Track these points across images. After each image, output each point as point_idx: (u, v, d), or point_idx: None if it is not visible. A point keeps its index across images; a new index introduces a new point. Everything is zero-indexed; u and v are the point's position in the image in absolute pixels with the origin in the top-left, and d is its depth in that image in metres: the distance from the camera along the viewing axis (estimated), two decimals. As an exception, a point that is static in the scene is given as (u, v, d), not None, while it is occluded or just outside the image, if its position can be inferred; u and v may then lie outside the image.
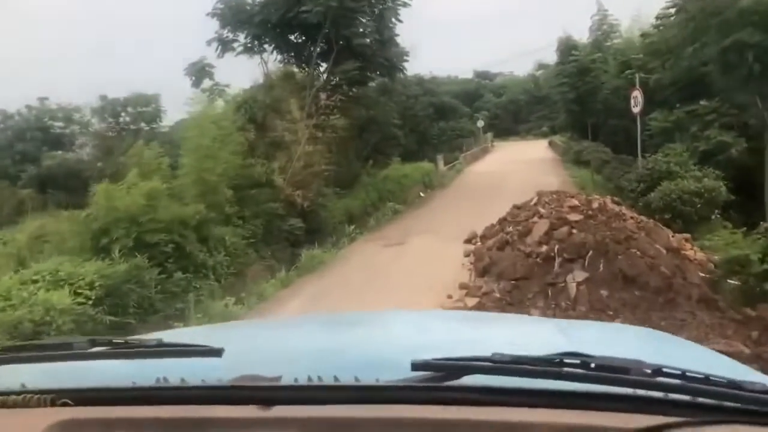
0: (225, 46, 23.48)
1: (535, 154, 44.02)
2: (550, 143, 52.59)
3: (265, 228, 16.07)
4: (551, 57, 57.41)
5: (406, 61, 28.20)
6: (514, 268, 9.34)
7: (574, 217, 10.45)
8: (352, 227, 17.75)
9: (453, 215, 19.75)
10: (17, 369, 1.31)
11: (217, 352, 1.25)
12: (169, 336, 1.67)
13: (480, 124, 56.11)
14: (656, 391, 1.04)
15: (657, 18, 23.58)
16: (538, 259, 9.31)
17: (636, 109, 19.38)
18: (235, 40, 23.69)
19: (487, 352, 1.14)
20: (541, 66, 70.04)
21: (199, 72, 21.19)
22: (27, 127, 47.25)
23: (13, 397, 1.14)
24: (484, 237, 14.71)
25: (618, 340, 1.79)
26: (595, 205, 11.55)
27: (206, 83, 20.72)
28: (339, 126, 19.29)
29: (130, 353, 1.36)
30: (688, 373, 1.06)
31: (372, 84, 29.27)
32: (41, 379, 1.23)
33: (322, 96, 18.77)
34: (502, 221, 15.36)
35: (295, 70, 23.55)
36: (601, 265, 8.53)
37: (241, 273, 14.50)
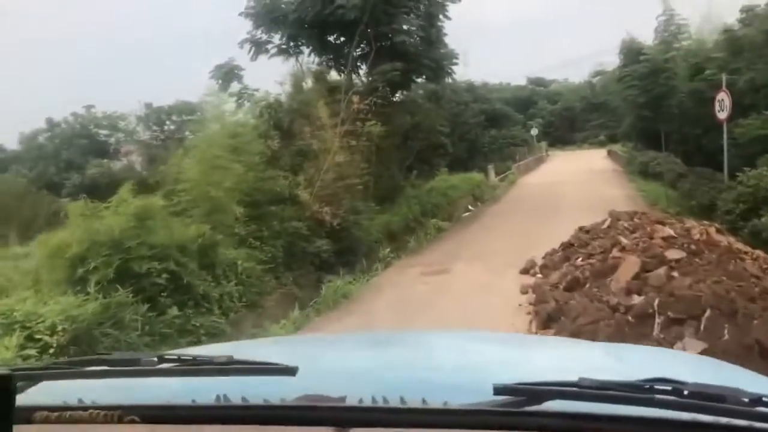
0: (258, 48, 21.34)
1: (594, 165, 40.84)
2: (610, 153, 49.19)
3: (286, 250, 13.66)
4: (608, 62, 54.32)
5: (455, 64, 25.62)
6: (594, 327, 6.63)
7: (673, 254, 7.68)
8: (387, 250, 15.16)
9: (506, 235, 17.03)
10: (84, 383, 1.28)
11: (291, 371, 1.19)
12: (234, 349, 1.67)
13: (534, 132, 53.09)
14: (760, 422, 0.97)
15: (742, 11, 20.44)
16: (628, 316, 6.58)
17: (722, 115, 16.33)
18: (269, 42, 21.55)
19: (566, 377, 1.08)
20: (598, 72, 66.62)
21: (227, 75, 18.98)
22: (72, 135, 46.44)
23: (80, 412, 1.10)
24: (545, 268, 11.98)
25: (672, 366, 1.61)
26: (697, 235, 8.73)
27: (234, 87, 18.43)
28: (376, 133, 16.77)
29: (198, 370, 1.31)
30: None
31: (419, 91, 26.93)
32: (108, 395, 1.20)
33: (358, 100, 16.27)
34: (567, 247, 12.60)
35: (333, 72, 21.21)
36: (726, 332, 5.78)
37: (255, 304, 12.11)
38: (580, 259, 10.33)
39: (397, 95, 23.64)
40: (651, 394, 1.04)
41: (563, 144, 64.13)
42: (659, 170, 24.00)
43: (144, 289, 10.00)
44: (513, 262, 13.44)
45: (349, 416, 1.07)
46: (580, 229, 13.24)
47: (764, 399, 1.00)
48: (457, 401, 1.08)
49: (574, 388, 1.06)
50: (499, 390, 1.06)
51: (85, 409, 1.12)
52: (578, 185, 28.12)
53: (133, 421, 1.09)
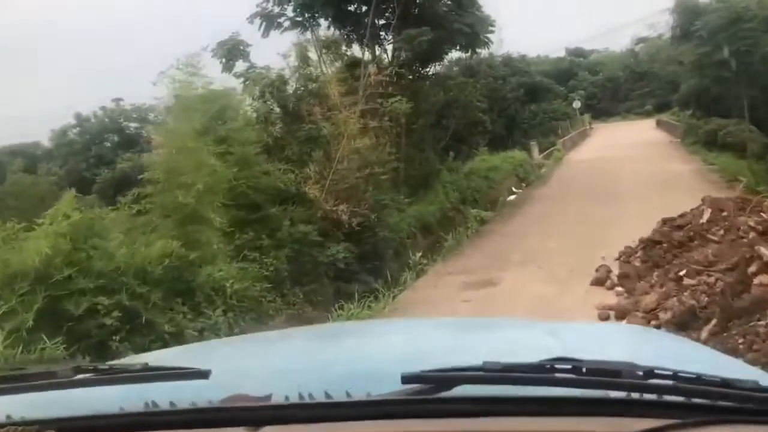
0: (270, 22, 18.22)
1: (644, 137, 36.84)
2: (659, 123, 44.88)
3: (293, 261, 10.70)
4: (649, 30, 49.86)
5: (492, 32, 22.10)
6: None
7: None
8: (419, 255, 11.98)
9: (561, 227, 13.74)
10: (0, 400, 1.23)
11: (203, 374, 1.17)
12: (154, 358, 1.60)
13: (576, 104, 49.05)
14: (649, 394, 1.00)
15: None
16: None
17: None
18: (282, 14, 18.42)
19: (478, 361, 1.08)
20: (641, 39, 61.86)
21: (231, 53, 15.87)
22: (102, 129, 44.18)
23: None
24: (625, 278, 8.74)
25: (611, 341, 1.64)
26: None
27: (240, 66, 15.35)
28: (402, 111, 13.59)
29: (115, 379, 1.29)
30: (680, 374, 1.02)
31: (454, 68, 23.63)
32: (25, 410, 1.16)
33: (376, 71, 13.14)
34: (650, 246, 9.35)
35: (355, 48, 17.99)
36: None
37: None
38: (685, 272, 7.07)
39: (429, 68, 20.32)
40: (551, 374, 1.04)
41: (606, 116, 59.64)
42: (731, 140, 20.23)
43: (88, 335, 7.20)
44: (578, 267, 10.23)
45: (265, 414, 1.04)
46: (665, 222, 9.93)
47: (656, 371, 1.00)
48: (378, 391, 1.07)
49: (480, 373, 1.06)
50: (406, 379, 1.05)
51: (3, 425, 1.06)
52: (634, 161, 24.47)
53: None
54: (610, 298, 8.62)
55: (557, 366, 1.06)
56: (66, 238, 7.49)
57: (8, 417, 1.12)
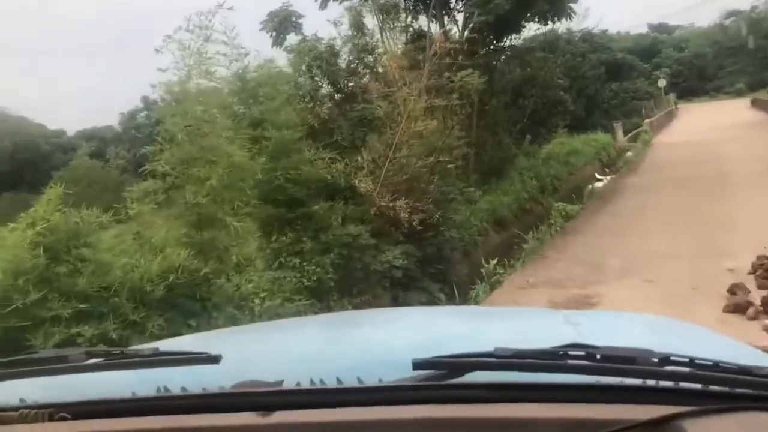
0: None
1: (738, 117, 33.01)
2: (755, 102, 40.54)
3: (340, 268, 8.72)
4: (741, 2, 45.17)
5: (575, 1, 19.39)
6: None
7: None
8: (494, 262, 9.71)
9: (665, 226, 11.25)
10: (13, 384, 1.23)
11: (214, 359, 1.16)
12: (166, 345, 1.57)
13: (662, 83, 45.20)
14: (665, 381, 0.98)
15: None
16: None
17: None
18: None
19: (490, 348, 1.06)
20: (732, 12, 56.71)
21: (281, 25, 13.92)
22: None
23: (10, 412, 1.07)
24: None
25: (626, 328, 1.59)
26: None
27: (291, 39, 13.37)
28: (475, 87, 11.33)
29: (127, 363, 1.29)
30: (697, 361, 0.99)
31: (528, 42, 21.03)
32: (38, 394, 1.16)
33: (443, 39, 10.91)
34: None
35: (418, 15, 15.71)
36: None
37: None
38: None
39: (504, 40, 17.86)
40: (564, 360, 1.02)
41: (692, 95, 55.17)
42: None
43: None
44: (699, 281, 7.85)
45: (276, 400, 1.02)
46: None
47: (672, 358, 0.98)
48: (390, 378, 1.07)
49: (492, 359, 1.03)
50: (417, 365, 1.03)
51: (16, 409, 1.07)
52: (734, 144, 21.33)
53: (63, 418, 1.04)
54: (755, 332, 6.29)
55: (570, 352, 1.03)
56: (38, 249, 5.74)
57: (22, 400, 1.11)
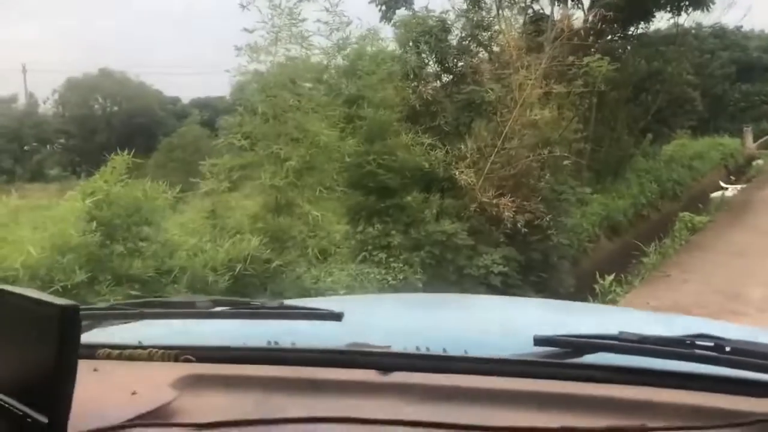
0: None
1: None
2: None
3: (429, 269, 7.66)
4: None
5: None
6: None
7: None
8: (611, 279, 8.27)
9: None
10: (142, 324, 1.31)
11: (337, 316, 1.20)
12: (287, 303, 1.54)
13: (800, 87, 40.44)
14: None
15: None
16: None
17: None
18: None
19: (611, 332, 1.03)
20: None
21: (390, -1, 12.79)
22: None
23: (140, 351, 1.11)
24: None
25: (723, 334, 1.20)
26: None
27: (401, 14, 12.24)
28: (602, 74, 9.84)
29: (253, 313, 1.32)
30: None
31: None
32: (165, 335, 1.20)
33: (568, 22, 9.51)
34: None
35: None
36: None
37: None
38: None
39: (630, 29, 16.02)
40: (692, 349, 0.99)
41: (833, 103, 49.64)
42: None
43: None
44: None
45: (392, 362, 1.02)
46: None
47: None
48: (499, 354, 1.04)
49: (614, 341, 1.01)
50: (539, 341, 1.03)
51: (145, 348, 1.11)
52: None
53: (188, 360, 1.08)
54: None
55: (698, 342, 1.00)
56: (91, 223, 5.02)
57: (141, 342, 1.14)
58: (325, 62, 8.19)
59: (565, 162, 9.61)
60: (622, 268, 9.73)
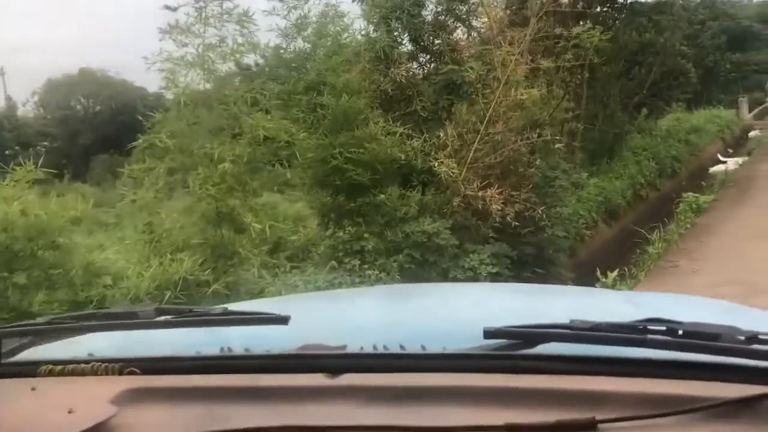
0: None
1: None
2: None
3: (410, 274, 6.68)
4: None
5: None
6: None
7: None
8: (614, 274, 7.23)
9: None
10: (86, 338, 1.23)
11: (283, 320, 1.11)
12: (233, 308, 1.41)
13: (791, 55, 39.43)
14: (751, 359, 0.89)
15: None
16: None
17: None
18: None
19: (562, 321, 1.01)
20: None
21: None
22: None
23: (82, 365, 1.05)
24: None
25: (693, 312, 1.20)
26: None
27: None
28: (593, 46, 8.79)
29: (195, 321, 1.23)
30: None
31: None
32: (108, 348, 1.16)
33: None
34: None
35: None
36: None
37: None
38: None
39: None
40: (644, 335, 0.95)
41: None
42: None
43: None
44: None
45: (342, 363, 0.99)
46: None
47: (760, 336, 0.91)
48: (455, 347, 1.02)
49: (566, 330, 0.98)
50: (489, 334, 0.99)
51: (87, 362, 1.05)
52: None
53: (132, 373, 1.03)
54: None
55: (651, 327, 0.97)
56: None
57: (90, 354, 1.11)
58: (283, 45, 7.13)
59: (557, 145, 8.58)
60: (624, 258, 8.75)
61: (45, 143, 31.81)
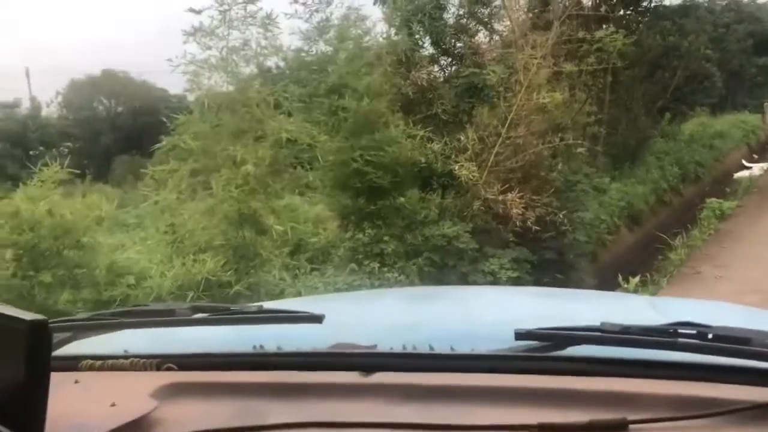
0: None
1: None
2: None
3: (429, 278, 6.68)
4: None
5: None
6: None
7: None
8: (636, 280, 7.15)
9: None
10: (125, 334, 1.28)
11: (317, 319, 1.14)
12: (267, 306, 1.50)
13: (820, 59, 38.78)
14: None
15: None
16: None
17: None
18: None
19: (591, 324, 1.02)
20: None
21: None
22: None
23: (122, 360, 1.09)
24: None
25: (719, 318, 1.23)
26: None
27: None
28: (617, 49, 8.75)
29: (231, 319, 1.28)
30: None
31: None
32: (146, 344, 1.17)
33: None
34: None
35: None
36: None
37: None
38: None
39: (644, 2, 14.80)
40: (674, 338, 0.96)
41: None
42: None
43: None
44: None
45: (375, 362, 1.01)
46: None
47: None
48: (484, 348, 1.03)
49: (597, 333, 1.00)
50: (520, 335, 1.00)
51: (126, 357, 1.09)
52: None
53: (170, 369, 1.05)
54: None
55: (681, 330, 0.98)
56: (9, 250, 4.10)
57: (126, 350, 1.13)
58: (306, 48, 7.18)
59: (579, 149, 8.53)
60: (646, 264, 8.66)
61: (68, 144, 32.25)
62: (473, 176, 7.10)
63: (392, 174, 6.75)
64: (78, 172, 6.67)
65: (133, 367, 1.08)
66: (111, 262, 4.76)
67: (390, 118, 6.92)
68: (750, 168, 17.71)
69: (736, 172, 17.62)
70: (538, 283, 7.66)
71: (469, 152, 7.29)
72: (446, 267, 6.81)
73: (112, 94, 34.37)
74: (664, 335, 0.98)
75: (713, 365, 0.92)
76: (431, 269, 6.69)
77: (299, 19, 7.08)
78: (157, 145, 5.34)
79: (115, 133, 32.31)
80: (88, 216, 4.41)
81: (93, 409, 0.91)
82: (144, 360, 1.08)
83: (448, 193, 7.24)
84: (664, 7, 16.63)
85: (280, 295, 5.17)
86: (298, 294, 5.49)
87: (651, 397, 0.87)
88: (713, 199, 10.81)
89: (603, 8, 10.29)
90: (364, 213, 6.66)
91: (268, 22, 5.44)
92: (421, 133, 7.08)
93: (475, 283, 6.90)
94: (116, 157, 29.24)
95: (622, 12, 13.84)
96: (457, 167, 7.04)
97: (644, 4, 15.01)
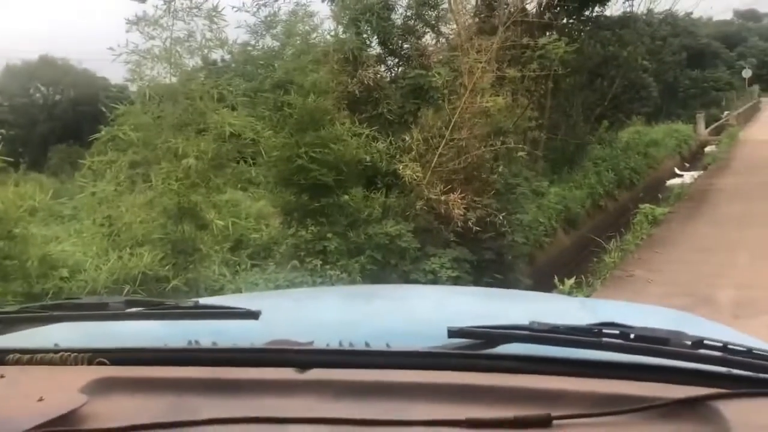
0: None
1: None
2: None
3: (371, 276, 6.72)
4: None
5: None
6: None
7: None
8: (571, 282, 7.39)
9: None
10: (56, 327, 1.24)
11: (253, 315, 1.16)
12: (203, 302, 1.51)
13: (747, 73, 41.06)
14: (697, 363, 0.95)
15: None
16: None
17: None
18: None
19: (522, 323, 1.06)
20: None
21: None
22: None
23: (51, 355, 1.06)
24: None
25: (645, 320, 1.29)
26: None
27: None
28: (559, 57, 9.00)
29: (166, 314, 1.27)
30: (730, 346, 0.97)
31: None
32: (77, 339, 1.15)
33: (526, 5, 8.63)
34: None
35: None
36: None
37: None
38: None
39: (587, 11, 15.26)
40: (599, 338, 1.01)
41: (776, 89, 50.25)
42: None
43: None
44: None
45: (310, 358, 1.01)
46: None
47: (705, 342, 0.97)
48: (419, 345, 1.04)
49: (526, 332, 1.04)
50: (453, 333, 1.03)
51: (56, 352, 1.06)
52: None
53: (102, 363, 1.03)
54: None
55: (605, 330, 1.02)
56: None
57: (57, 344, 1.10)
58: (252, 42, 7.11)
59: (520, 153, 8.74)
60: (581, 266, 8.95)
61: (1, 131, 30.91)
62: (417, 176, 7.18)
63: (336, 172, 6.77)
64: (11, 160, 6.40)
65: (63, 362, 1.06)
66: (44, 254, 4.61)
67: (336, 115, 6.93)
68: (682, 176, 18.50)
69: (669, 179, 18.38)
70: (477, 282, 7.81)
71: (413, 152, 7.38)
72: (388, 265, 6.86)
73: (50, 82, 33.16)
74: (590, 335, 1.02)
75: (634, 364, 0.96)
76: (373, 267, 6.73)
77: (246, 12, 7.03)
78: (96, 135, 5.20)
79: (53, 121, 31.21)
80: (21, 206, 4.26)
81: (19, 403, 0.89)
82: (75, 354, 1.06)
83: (392, 192, 7.31)
84: (606, 17, 17.16)
85: (220, 291, 5.12)
86: (238, 290, 5.44)
87: (575, 394, 0.90)
88: (646, 205, 11.24)
89: (547, 16, 10.52)
90: (308, 210, 6.65)
91: (215, 14, 5.38)
92: (367, 132, 7.12)
93: (416, 281, 6.99)
94: (53, 146, 28.22)
95: (565, 20, 14.23)
96: (401, 167, 7.11)
97: (586, 13, 15.48)
